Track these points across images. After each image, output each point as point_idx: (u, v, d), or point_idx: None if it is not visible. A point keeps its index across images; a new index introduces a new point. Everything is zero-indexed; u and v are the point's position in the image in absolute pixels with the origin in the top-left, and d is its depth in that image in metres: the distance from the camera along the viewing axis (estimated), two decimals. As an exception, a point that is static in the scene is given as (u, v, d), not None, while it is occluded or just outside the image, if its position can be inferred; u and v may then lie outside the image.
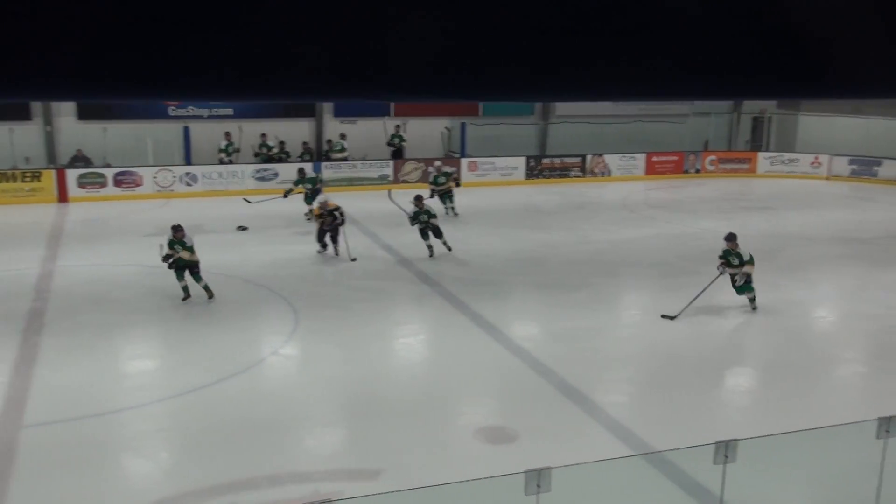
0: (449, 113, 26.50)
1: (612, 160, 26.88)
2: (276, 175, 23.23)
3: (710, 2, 2.71)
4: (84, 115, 23.06)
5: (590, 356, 10.41)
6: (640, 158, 27.21)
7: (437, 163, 22.02)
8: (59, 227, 18.85)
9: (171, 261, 12.90)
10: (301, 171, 20.30)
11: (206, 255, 14.16)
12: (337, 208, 15.83)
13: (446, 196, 20.24)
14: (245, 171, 23.02)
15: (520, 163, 26.04)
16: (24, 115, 22.53)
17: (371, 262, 15.82)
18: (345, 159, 24.51)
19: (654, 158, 27.38)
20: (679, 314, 11.96)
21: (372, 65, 2.57)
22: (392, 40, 2.52)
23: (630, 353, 10.58)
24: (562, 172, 26.39)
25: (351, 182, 23.65)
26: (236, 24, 2.43)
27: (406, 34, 2.47)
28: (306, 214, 19.13)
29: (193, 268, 13.10)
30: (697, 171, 27.87)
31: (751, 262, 12.48)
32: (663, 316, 12.07)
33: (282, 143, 24.29)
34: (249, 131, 23.81)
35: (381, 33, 2.52)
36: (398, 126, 25.41)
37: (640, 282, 15.33)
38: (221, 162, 23.38)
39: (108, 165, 22.55)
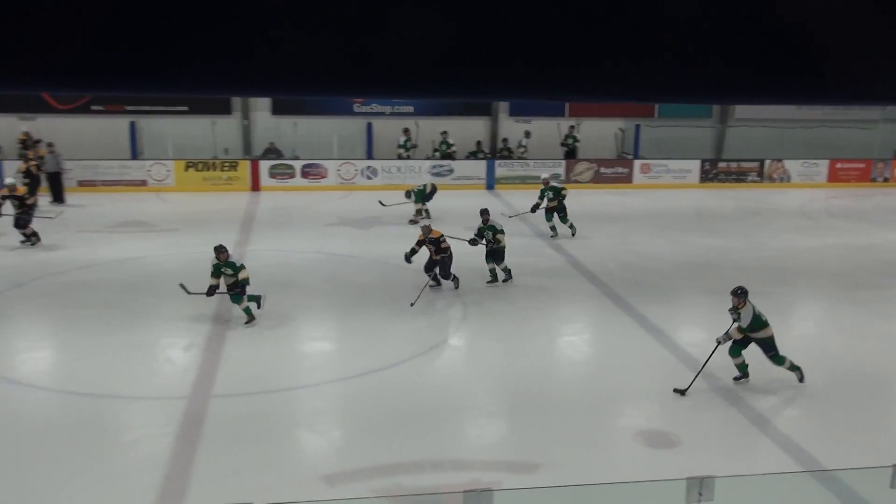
0: (623, 114, 26.00)
1: (792, 166, 25.52)
2: (451, 171, 23.61)
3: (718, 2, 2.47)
4: (278, 110, 24.25)
5: (759, 366, 9.93)
6: (823, 165, 25.67)
7: (545, 175, 19.07)
8: (251, 213, 19.93)
9: (215, 292, 11.84)
10: (410, 192, 19.12)
11: (383, 246, 14.55)
12: (441, 239, 13.35)
13: (553, 213, 17.70)
14: (423, 167, 23.50)
15: (694, 166, 25.20)
16: (224, 109, 23.98)
17: (540, 261, 15.77)
18: (523, 158, 24.58)
19: (839, 165, 25.76)
20: (688, 388, 9.76)
21: (369, 60, 2.48)
22: (391, 35, 2.38)
23: (804, 364, 10.02)
24: (738, 177, 25.31)
25: (523, 180, 23.66)
26: (236, 17, 2.38)
27: (406, 29, 2.39)
28: (415, 217, 18.67)
29: (234, 287, 11.75)
30: (886, 180, 26.01)
31: (757, 325, 9.75)
32: (675, 390, 9.68)
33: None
34: (426, 128, 24.28)
35: (380, 28, 2.43)
36: (572, 126, 25.19)
37: (817, 292, 14.50)
38: (400, 157, 23.98)
39: (297, 158, 23.62)
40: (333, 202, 21.45)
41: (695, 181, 25.02)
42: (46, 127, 22.89)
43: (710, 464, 6.59)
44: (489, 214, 14.15)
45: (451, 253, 13.42)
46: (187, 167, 22.65)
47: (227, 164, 22.99)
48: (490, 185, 23.87)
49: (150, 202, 20.81)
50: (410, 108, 24.85)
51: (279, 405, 9.42)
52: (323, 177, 23.19)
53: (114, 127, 23.33)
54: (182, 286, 11.92)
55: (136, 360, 10.59)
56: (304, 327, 12.21)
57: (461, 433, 8.89)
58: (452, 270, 13.49)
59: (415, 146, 24.18)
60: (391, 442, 8.47)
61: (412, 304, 12.58)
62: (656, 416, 9.26)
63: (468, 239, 14.09)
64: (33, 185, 18.47)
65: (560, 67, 2.45)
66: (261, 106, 24.21)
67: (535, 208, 17.83)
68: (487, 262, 13.97)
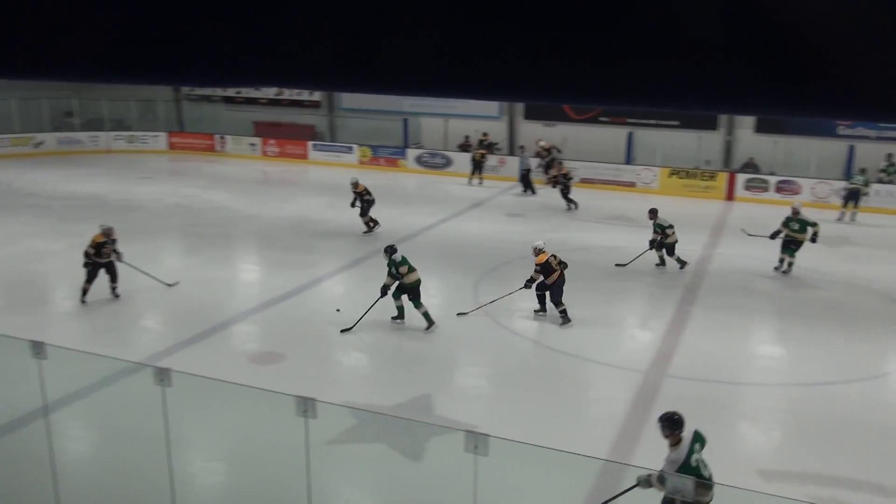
0: None
1: None
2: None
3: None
4: (761, 128, 23.19)
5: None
6: None
7: (797, 202, 14.97)
8: (722, 220, 19.47)
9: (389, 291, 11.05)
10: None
11: (853, 265, 13.15)
12: None
13: (792, 248, 14.16)
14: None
15: None
16: (710, 125, 23.63)
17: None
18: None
19: None
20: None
21: (370, 56, 2.10)
22: (387, 33, 2.04)
23: None
24: None
25: None
26: (246, 14, 2.17)
27: (401, 27, 2.00)
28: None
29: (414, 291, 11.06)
30: None
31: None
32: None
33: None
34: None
35: (379, 25, 2.06)
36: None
37: None
38: (881, 181, 21.35)
39: (773, 173, 22.38)
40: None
41: None
42: (563, 133, 24.86)
43: None
44: (656, 215, 14.26)
45: None
46: (671, 174, 22.86)
47: (706, 174, 22.70)
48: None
49: (635, 201, 21.46)
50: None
51: (726, 395, 9.23)
52: (796, 193, 21.64)
53: (615, 136, 24.46)
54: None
55: (608, 332, 11.18)
56: (758, 331, 11.69)
57: (908, 463, 7.83)
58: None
59: (898, 171, 21.30)
60: (834, 454, 7.80)
61: None
62: None
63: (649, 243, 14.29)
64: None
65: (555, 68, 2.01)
66: (745, 124, 23.38)
67: (774, 235, 14.50)
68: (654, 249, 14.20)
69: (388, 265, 10.99)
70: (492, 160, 24.08)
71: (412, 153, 25.81)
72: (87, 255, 11.86)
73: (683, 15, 1.79)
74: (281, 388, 5.53)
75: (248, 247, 16.01)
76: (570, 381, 9.62)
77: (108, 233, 11.93)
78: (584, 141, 24.66)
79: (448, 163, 25.17)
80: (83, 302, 11.85)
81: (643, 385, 9.37)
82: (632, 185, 23.19)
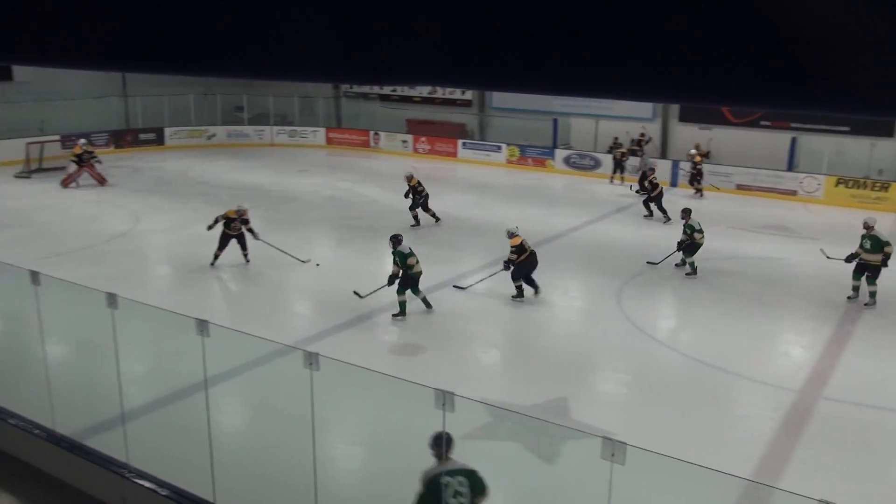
0: None
1: None
2: None
3: None
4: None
5: None
6: None
7: (868, 218, 12.59)
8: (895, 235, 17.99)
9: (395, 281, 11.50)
10: None
11: None
12: None
13: (868, 275, 12.16)
14: None
15: None
16: (886, 131, 21.87)
17: None
18: None
19: None
20: None
21: (376, 44, 1.90)
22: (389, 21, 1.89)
23: None
24: None
25: None
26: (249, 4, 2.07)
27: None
28: None
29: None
30: None
31: None
32: None
33: None
34: None
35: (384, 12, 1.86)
36: None
37: None
38: None
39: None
40: None
41: None
42: (720, 136, 23.82)
43: None
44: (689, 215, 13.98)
45: None
46: (837, 183, 21.35)
47: (878, 185, 21.02)
48: None
49: (796, 210, 20.25)
50: None
51: (887, 422, 8.53)
52: (984, 208, 19.65)
53: (776, 141, 23.15)
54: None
55: (758, 347, 10.64)
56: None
57: None
58: None
59: None
60: None
61: None
62: None
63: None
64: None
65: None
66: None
67: (850, 258, 12.43)
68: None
69: (394, 255, 11.48)
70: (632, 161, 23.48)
71: (560, 154, 25.60)
72: (216, 220, 13.73)
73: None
74: (419, 380, 5.65)
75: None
76: (714, 394, 9.22)
77: (240, 212, 13.73)
78: (743, 145, 23.52)
79: (596, 164, 24.76)
80: (212, 265, 13.63)
81: (795, 405, 8.83)
82: (793, 193, 21.85)
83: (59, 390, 7.44)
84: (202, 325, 5.96)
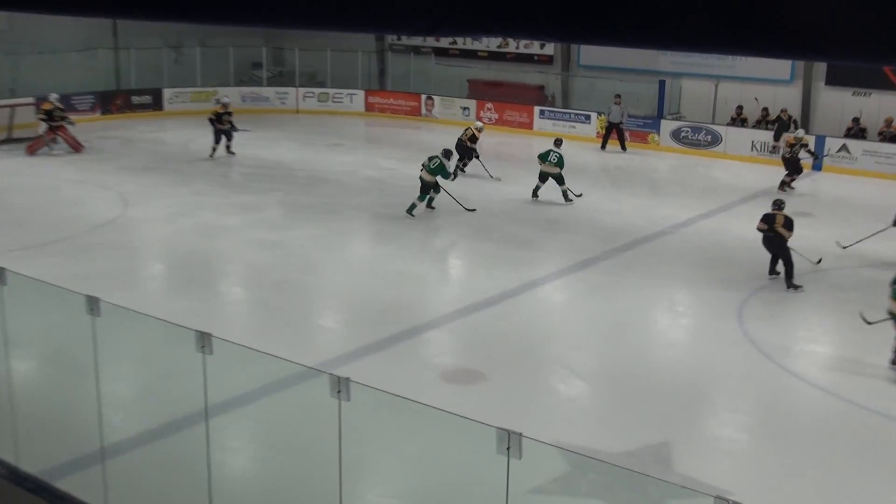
0: None
1: None
2: None
3: None
4: None
5: None
6: None
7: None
8: None
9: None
10: None
11: None
12: None
13: None
14: None
15: None
16: None
17: None
18: None
19: None
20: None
21: None
22: None
23: None
24: None
25: None
26: None
27: None
28: None
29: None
30: None
31: None
32: None
33: None
34: None
35: None
36: None
37: None
38: None
39: None
40: None
41: None
42: (880, 102, 23.22)
43: None
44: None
45: None
46: None
47: None
48: None
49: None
50: None
51: None
52: None
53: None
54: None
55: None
56: None
57: None
58: None
59: None
60: None
61: None
62: None
63: None
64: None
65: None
66: None
67: None
68: None
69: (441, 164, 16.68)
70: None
71: (668, 126, 25.30)
72: (210, 120, 21.82)
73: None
74: (479, 416, 5.63)
75: (450, 235, 16.49)
76: (873, 447, 8.98)
77: (225, 105, 21.76)
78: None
79: (715, 140, 24.39)
80: (210, 157, 21.81)
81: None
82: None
83: (26, 418, 7.64)
84: (204, 339, 6.04)
